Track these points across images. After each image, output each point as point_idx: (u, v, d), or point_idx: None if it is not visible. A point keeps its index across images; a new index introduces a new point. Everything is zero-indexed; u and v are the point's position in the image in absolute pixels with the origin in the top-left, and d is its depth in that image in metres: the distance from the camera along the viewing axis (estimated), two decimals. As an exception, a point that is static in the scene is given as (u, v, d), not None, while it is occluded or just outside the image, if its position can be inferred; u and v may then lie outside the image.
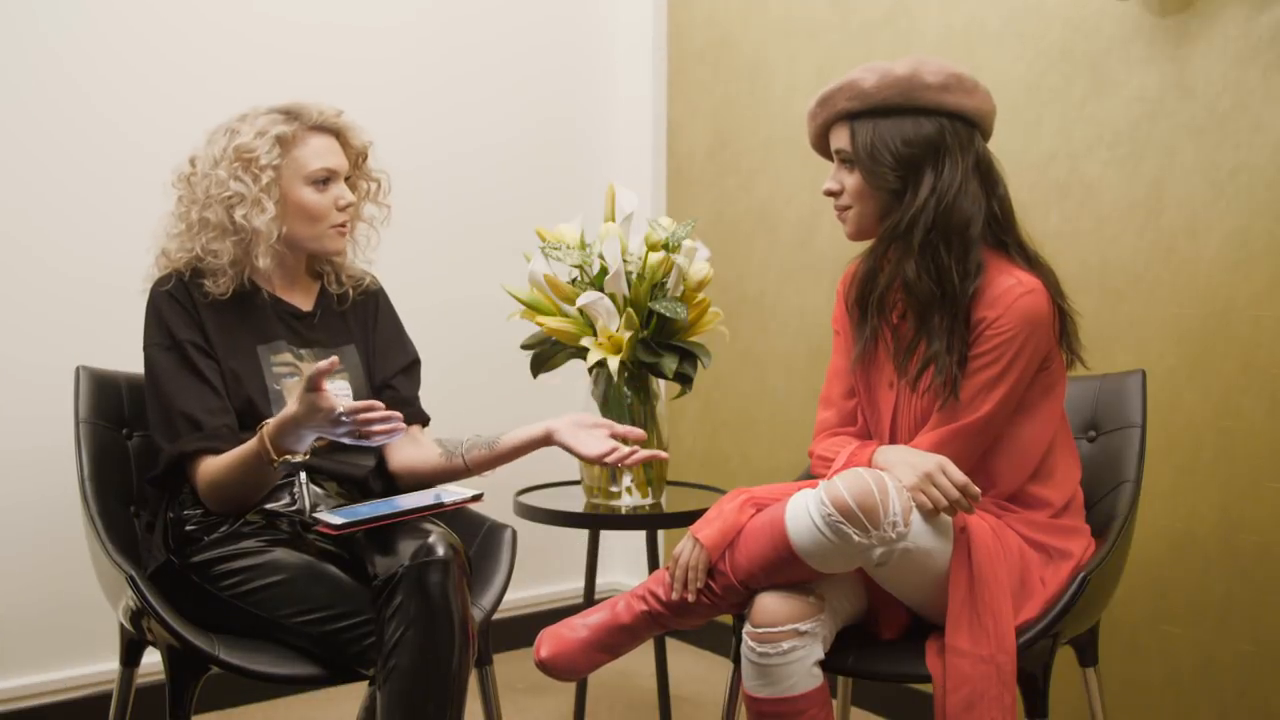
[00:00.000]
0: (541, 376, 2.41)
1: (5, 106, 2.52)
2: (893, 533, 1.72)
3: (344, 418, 1.76)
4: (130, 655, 2.01)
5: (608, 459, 2.00)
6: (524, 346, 2.41)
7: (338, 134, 2.09)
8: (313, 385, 1.76)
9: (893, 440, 1.96)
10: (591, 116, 3.38)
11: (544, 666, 1.87)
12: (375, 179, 2.18)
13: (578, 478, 2.46)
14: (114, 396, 2.14)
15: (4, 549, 2.54)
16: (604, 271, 2.27)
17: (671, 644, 3.15)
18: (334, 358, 1.79)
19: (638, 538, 3.11)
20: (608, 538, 3.30)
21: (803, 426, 2.90)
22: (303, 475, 2.02)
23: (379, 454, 2.15)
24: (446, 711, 1.74)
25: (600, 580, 3.03)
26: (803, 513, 1.74)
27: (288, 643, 1.87)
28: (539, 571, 3.21)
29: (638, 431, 2.05)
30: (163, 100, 2.67)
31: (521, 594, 3.18)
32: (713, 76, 3.21)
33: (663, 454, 2.06)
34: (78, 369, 2.12)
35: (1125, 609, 2.28)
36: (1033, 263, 1.90)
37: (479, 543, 2.12)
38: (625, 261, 2.27)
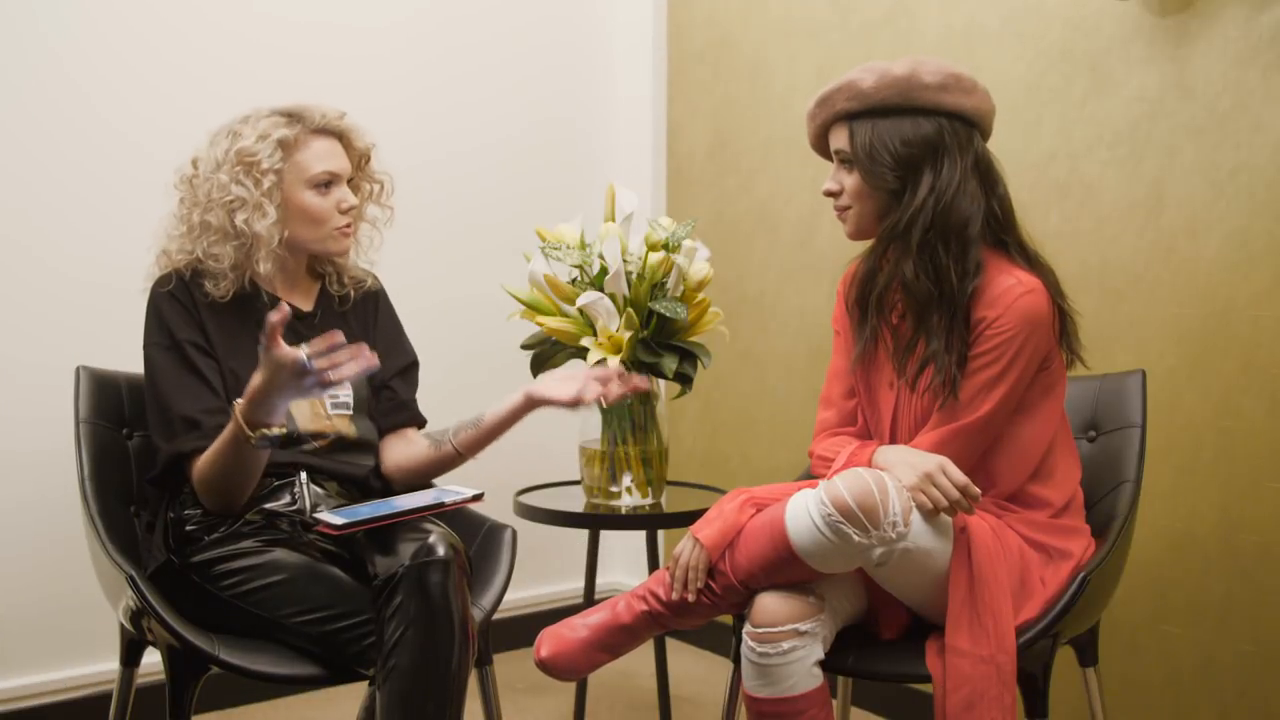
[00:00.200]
0: (541, 376, 2.40)
1: (5, 107, 2.52)
2: (893, 533, 1.72)
3: (308, 362, 1.72)
4: (130, 655, 2.01)
5: (585, 395, 2.02)
6: (524, 346, 2.41)
7: (340, 136, 2.08)
8: (269, 342, 1.73)
9: (893, 440, 1.96)
10: (591, 116, 3.38)
11: (544, 666, 1.87)
12: (378, 181, 2.18)
13: (578, 478, 2.46)
14: (114, 396, 2.14)
15: (4, 549, 2.54)
16: (604, 271, 2.27)
17: (671, 644, 3.15)
18: (284, 307, 1.74)
19: (638, 538, 3.11)
20: (608, 538, 3.30)
21: (803, 426, 2.90)
22: (303, 475, 2.02)
23: (377, 456, 2.16)
24: (446, 711, 1.74)
25: (600, 580, 3.03)
26: (803, 513, 1.74)
27: (288, 643, 1.87)
28: (539, 571, 3.22)
29: (615, 369, 2.06)
30: (162, 101, 2.67)
31: (521, 594, 3.18)
32: (713, 76, 3.21)
33: (643, 382, 2.05)
34: (78, 369, 2.12)
35: (1125, 609, 2.28)
36: (1033, 262, 1.90)
37: (479, 543, 2.12)
38: (625, 261, 2.27)
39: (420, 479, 2.17)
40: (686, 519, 2.24)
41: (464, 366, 3.04)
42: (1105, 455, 2.06)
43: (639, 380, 2.04)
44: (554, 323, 2.30)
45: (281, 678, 1.85)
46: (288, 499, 2.00)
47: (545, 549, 3.08)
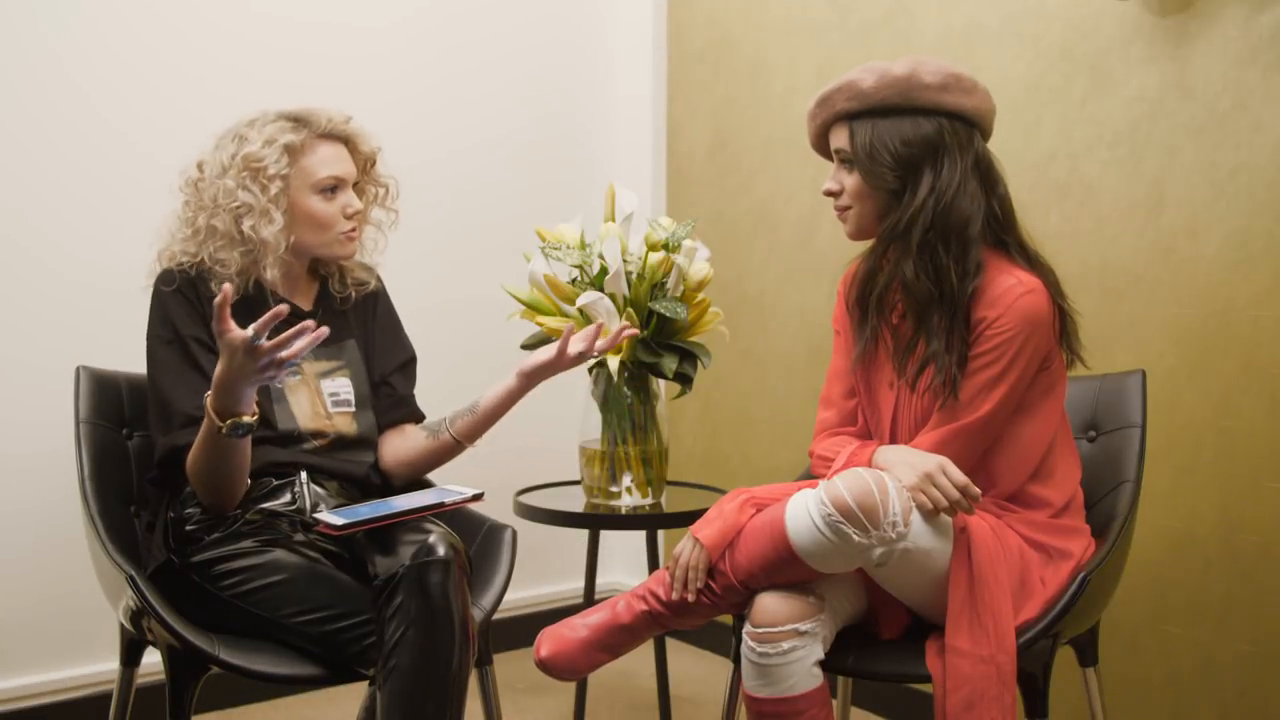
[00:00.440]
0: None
1: (5, 107, 2.52)
2: (893, 533, 1.72)
3: (256, 339, 1.69)
4: (130, 655, 2.01)
5: (570, 348, 2.03)
6: (524, 346, 2.41)
7: (346, 141, 2.08)
8: (218, 324, 1.70)
9: (893, 440, 1.96)
10: (591, 116, 3.38)
11: (544, 666, 1.87)
12: (384, 184, 2.18)
13: (578, 478, 2.47)
14: (114, 397, 2.14)
15: (4, 549, 2.54)
16: (604, 271, 2.27)
17: (671, 644, 3.15)
18: (226, 286, 1.71)
19: (638, 538, 3.11)
20: (608, 538, 3.30)
21: (803, 426, 2.90)
22: (303, 475, 2.02)
23: (377, 452, 2.16)
24: (446, 711, 1.74)
25: (600, 580, 3.03)
26: (803, 513, 1.74)
27: (288, 643, 1.87)
28: (539, 571, 3.22)
29: (593, 328, 2.09)
30: (162, 101, 2.66)
31: (521, 594, 3.18)
32: (713, 76, 3.21)
33: (632, 329, 2.06)
34: (78, 369, 2.12)
35: (1125, 609, 2.28)
36: (1033, 262, 1.90)
37: (479, 543, 2.12)
38: (625, 261, 2.27)
39: (419, 471, 2.17)
40: (686, 519, 2.24)
41: (464, 366, 3.04)
42: (1105, 455, 2.06)
43: (628, 330, 2.05)
44: (554, 323, 2.30)
45: (281, 678, 1.85)
46: (288, 499, 2.00)
47: (545, 549, 3.08)
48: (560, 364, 2.07)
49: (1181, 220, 2.24)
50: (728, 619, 1.94)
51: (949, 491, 1.75)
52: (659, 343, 2.32)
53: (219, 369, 1.77)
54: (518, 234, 2.66)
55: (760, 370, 3.11)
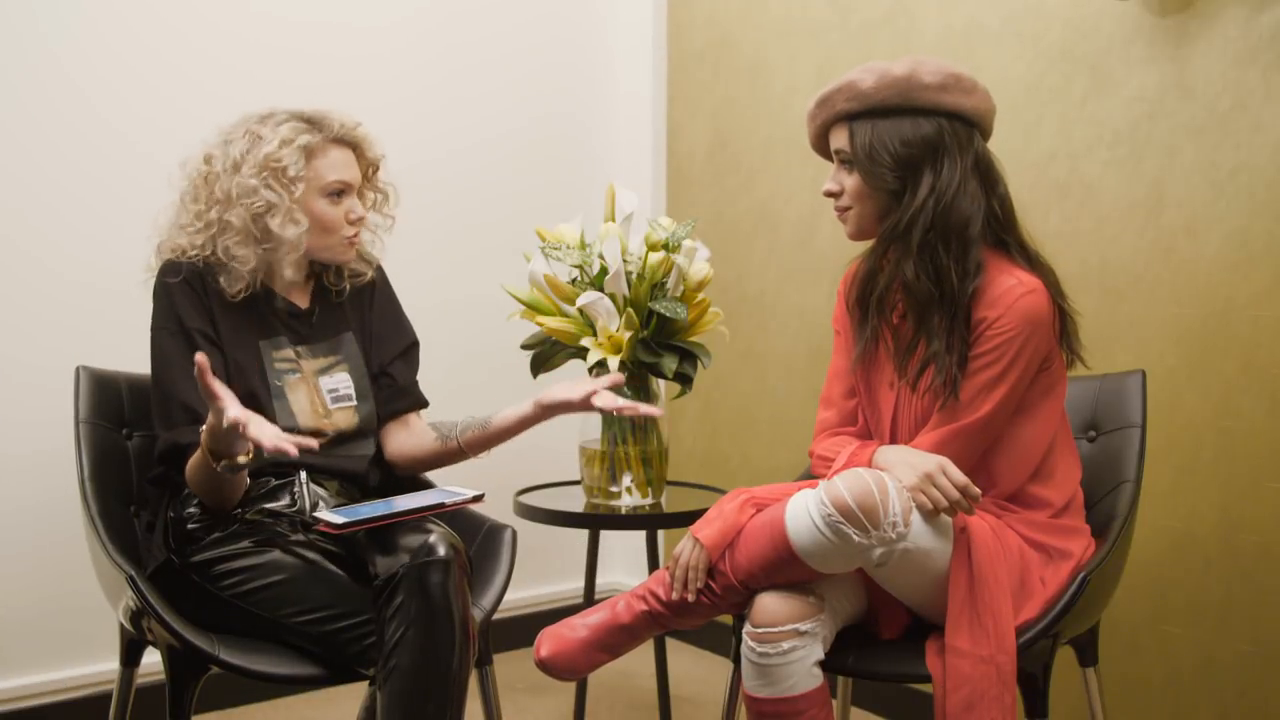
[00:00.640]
0: (541, 376, 2.41)
1: (4, 107, 2.52)
2: (893, 533, 1.72)
3: (240, 425, 1.70)
4: (130, 655, 2.01)
5: (595, 400, 2.02)
6: (524, 346, 2.41)
7: (354, 146, 2.09)
8: (206, 393, 1.72)
9: (893, 440, 1.96)
10: (592, 115, 3.38)
11: (544, 666, 1.87)
12: (383, 191, 2.18)
13: (578, 478, 2.46)
14: (114, 397, 2.14)
15: (4, 549, 2.54)
16: (604, 271, 2.27)
17: (671, 644, 3.15)
18: (200, 356, 1.71)
19: (638, 538, 3.11)
20: (608, 538, 3.30)
21: (803, 426, 2.90)
22: (303, 474, 2.02)
23: (377, 442, 2.16)
24: (446, 711, 1.74)
25: (600, 580, 3.03)
26: (803, 513, 1.74)
27: (288, 643, 1.87)
28: (539, 571, 3.21)
29: (618, 377, 2.09)
30: (162, 102, 2.66)
31: (521, 594, 3.18)
32: (713, 76, 3.21)
33: (656, 410, 2.06)
34: (78, 369, 2.12)
35: (1125, 609, 2.28)
36: (1033, 262, 1.90)
37: (479, 543, 2.12)
38: (625, 261, 2.27)
39: (422, 469, 2.19)
40: (686, 519, 2.24)
41: (464, 366, 3.04)
42: (1105, 455, 2.06)
43: (651, 409, 2.04)
44: (554, 323, 2.30)
45: (281, 678, 1.85)
46: (288, 499, 2.00)
47: (545, 549, 3.08)
48: (578, 406, 2.07)
49: (1181, 220, 2.24)
50: (728, 619, 1.94)
51: (949, 492, 1.75)
52: (659, 343, 2.32)
53: (209, 422, 1.76)
54: (518, 234, 2.66)
55: (760, 370, 3.11)
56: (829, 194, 1.95)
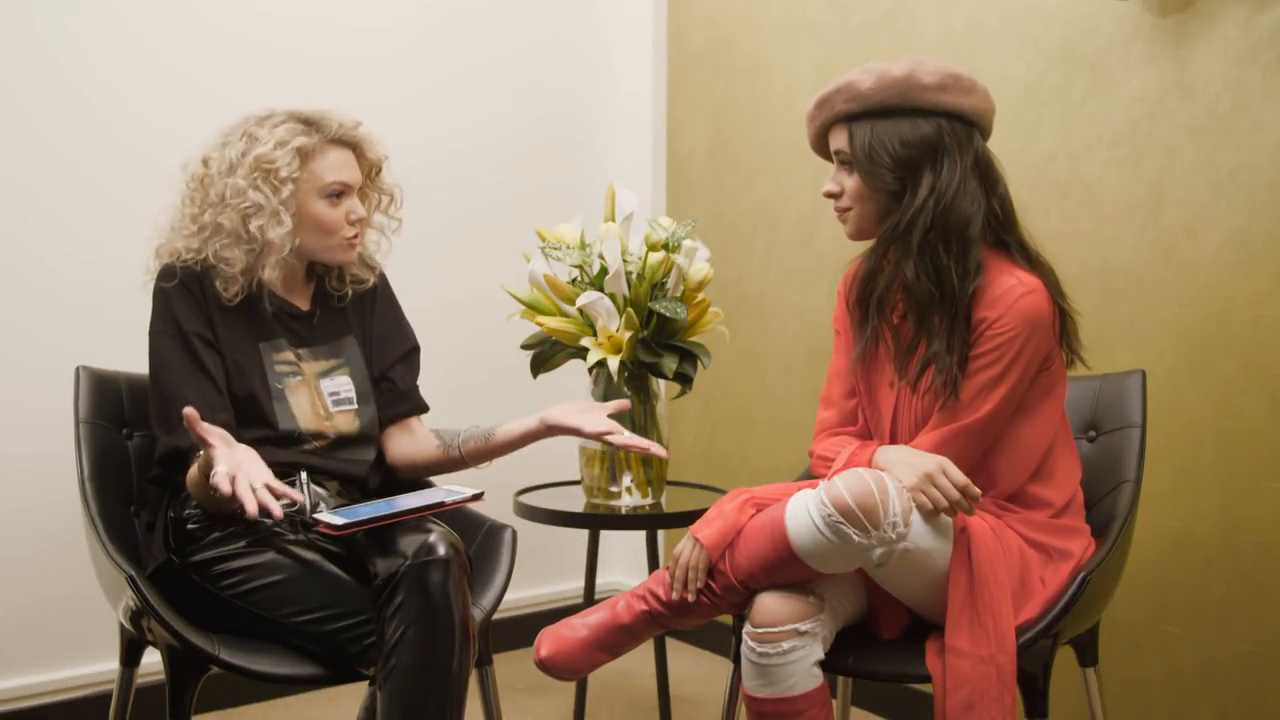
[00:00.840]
0: (541, 376, 2.41)
1: (4, 108, 2.52)
2: (893, 533, 1.72)
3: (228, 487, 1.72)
4: (130, 655, 2.01)
5: (609, 437, 2.02)
6: (524, 346, 2.41)
7: (354, 146, 2.08)
8: (198, 439, 1.75)
9: (893, 440, 1.96)
10: (592, 116, 3.38)
11: (544, 666, 1.87)
12: (388, 193, 2.17)
13: (578, 478, 2.46)
14: (114, 397, 2.14)
15: (4, 549, 2.54)
16: (604, 271, 2.27)
17: (671, 644, 3.15)
18: (189, 411, 1.74)
19: (638, 538, 3.11)
20: (608, 538, 3.30)
21: (803, 426, 2.90)
22: (304, 475, 2.02)
23: (379, 446, 2.16)
24: (446, 711, 1.74)
25: (600, 580, 3.03)
26: (803, 513, 1.74)
27: (288, 642, 1.87)
28: (539, 571, 3.22)
29: (623, 403, 2.11)
30: (162, 102, 2.66)
31: (521, 594, 3.18)
32: (713, 76, 3.21)
33: (663, 451, 2.07)
34: (78, 369, 2.12)
35: (1125, 609, 2.28)
36: (1033, 262, 1.90)
37: (479, 543, 2.12)
38: (625, 261, 2.27)
39: (424, 474, 2.19)
40: (686, 519, 2.24)
41: (464, 366, 3.04)
42: (1105, 455, 2.06)
43: (659, 450, 2.05)
44: (554, 323, 2.30)
45: (281, 678, 1.85)
46: (288, 499, 2.00)
47: (545, 549, 3.08)
48: (584, 433, 2.06)
49: (1181, 220, 2.24)
50: (728, 619, 1.94)
51: (949, 492, 1.75)
52: (659, 343, 2.32)
53: (201, 460, 1.78)
54: (518, 234, 2.66)
55: (760, 370, 3.11)
56: (829, 195, 1.95)
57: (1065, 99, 2.40)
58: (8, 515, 2.54)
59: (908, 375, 1.91)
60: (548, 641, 1.87)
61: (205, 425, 1.75)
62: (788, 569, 1.78)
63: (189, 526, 1.94)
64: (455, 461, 2.16)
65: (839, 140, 1.92)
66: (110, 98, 2.62)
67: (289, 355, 2.06)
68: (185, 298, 1.99)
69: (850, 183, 1.91)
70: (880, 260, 1.92)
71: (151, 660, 1.93)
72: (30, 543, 2.56)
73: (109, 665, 2.27)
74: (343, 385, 2.10)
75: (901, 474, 1.77)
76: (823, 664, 1.79)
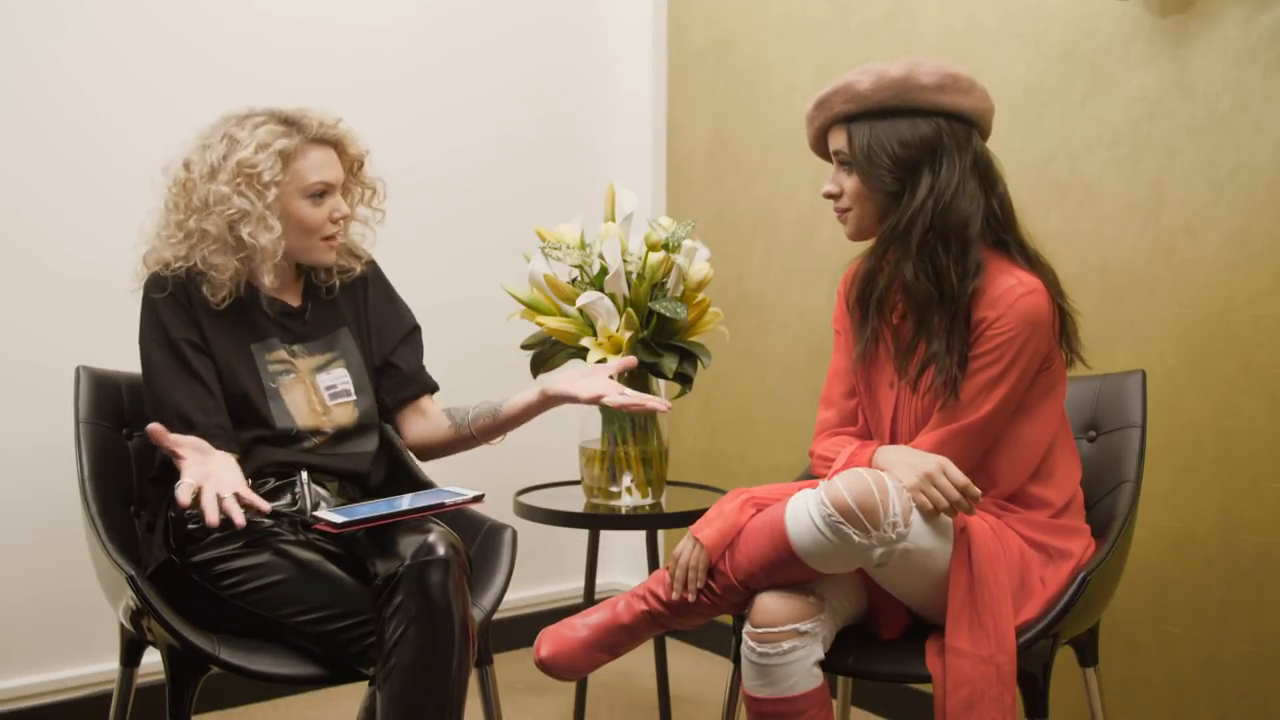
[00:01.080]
0: (541, 376, 2.41)
1: (4, 108, 2.52)
2: (893, 533, 1.72)
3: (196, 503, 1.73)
4: (130, 655, 2.01)
5: (604, 400, 2.01)
6: (524, 346, 2.41)
7: (335, 144, 2.08)
8: (172, 456, 1.78)
9: (893, 440, 1.96)
10: (592, 116, 3.38)
11: (544, 666, 1.87)
12: (371, 186, 2.17)
13: (578, 478, 2.46)
14: (114, 397, 2.14)
15: (4, 549, 2.54)
16: (604, 271, 2.27)
17: (671, 644, 3.15)
18: (153, 426, 1.78)
19: (638, 538, 3.11)
20: (608, 538, 3.30)
21: (803, 426, 2.90)
22: (304, 474, 2.02)
23: (382, 436, 2.16)
24: (446, 711, 1.74)
25: (600, 580, 3.03)
26: (803, 513, 1.74)
27: (288, 642, 1.87)
28: (539, 571, 3.22)
29: (630, 360, 2.09)
30: (163, 102, 2.66)
31: (521, 594, 3.18)
32: (713, 76, 3.21)
33: (663, 405, 2.04)
34: (78, 369, 2.12)
35: (1125, 609, 2.28)
36: (1033, 262, 1.90)
37: (479, 543, 2.12)
38: (625, 261, 2.27)
39: (441, 454, 2.21)
40: (686, 519, 2.24)
41: (464, 366, 3.03)
42: (1105, 455, 2.06)
43: (657, 403, 2.04)
44: (554, 323, 2.30)
45: (281, 678, 1.85)
46: (288, 499, 2.00)
47: (545, 549, 3.08)
48: (580, 400, 2.06)
49: (1181, 220, 2.24)
50: (728, 619, 1.94)
51: (949, 492, 1.75)
52: (659, 343, 2.32)
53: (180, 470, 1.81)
54: (518, 234, 2.66)
55: (760, 370, 3.11)
56: (828, 196, 1.95)
57: (1065, 99, 2.40)
58: (8, 516, 2.54)
59: (907, 375, 1.91)
60: (548, 641, 1.87)
61: (173, 437, 1.77)
62: (788, 569, 1.78)
63: (189, 526, 1.94)
64: (468, 440, 2.17)
65: (838, 141, 1.92)
66: (110, 97, 2.62)
67: (282, 354, 2.06)
68: (172, 307, 1.99)
69: (849, 183, 1.91)
70: (880, 260, 1.92)
71: (151, 660, 1.93)
72: (30, 543, 2.56)
73: (109, 665, 2.27)
74: (339, 378, 2.10)
75: (901, 474, 1.77)
76: (823, 664, 1.79)
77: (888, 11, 2.74)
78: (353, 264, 2.18)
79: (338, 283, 2.16)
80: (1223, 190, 2.17)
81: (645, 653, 2.45)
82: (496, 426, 2.16)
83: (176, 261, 2.01)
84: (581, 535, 2.65)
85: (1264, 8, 2.10)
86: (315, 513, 1.93)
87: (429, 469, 2.29)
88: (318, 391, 2.07)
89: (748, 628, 1.79)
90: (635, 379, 2.34)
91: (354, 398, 2.10)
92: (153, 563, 1.94)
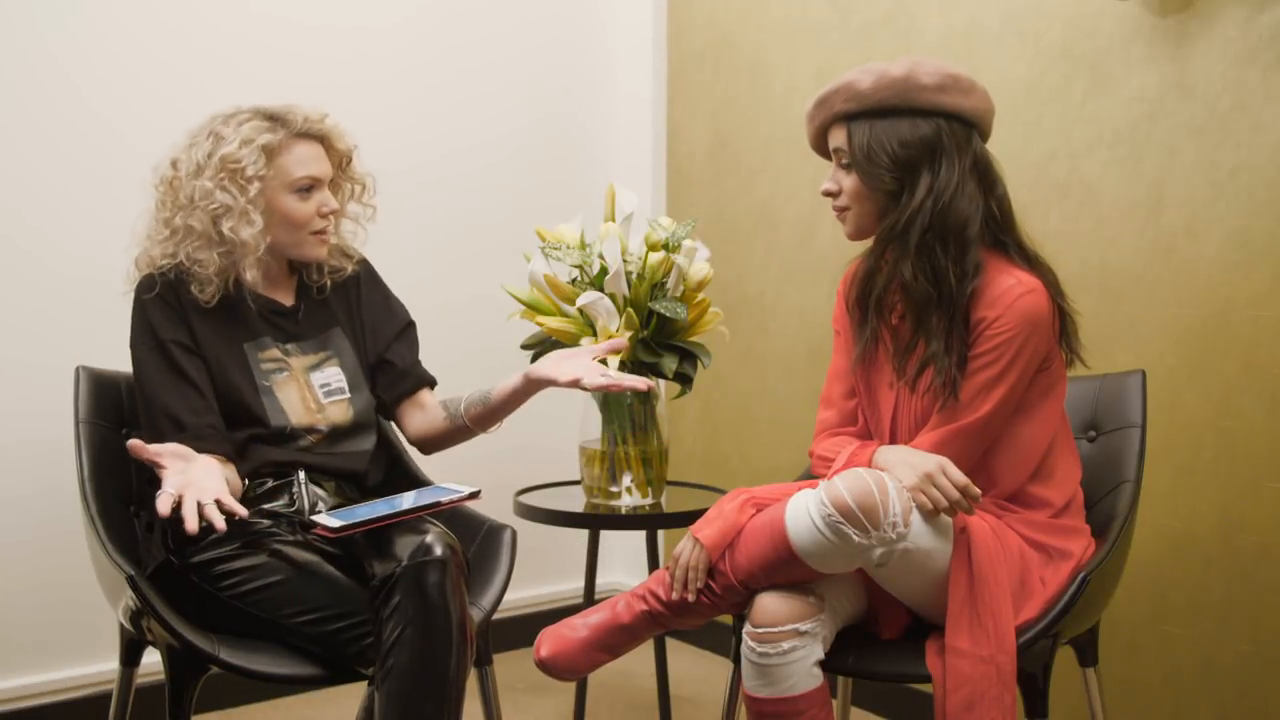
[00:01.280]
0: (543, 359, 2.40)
1: (4, 108, 2.52)
2: (893, 533, 1.71)
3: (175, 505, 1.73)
4: (130, 655, 2.01)
5: (583, 381, 2.00)
6: (524, 346, 2.41)
7: (322, 139, 2.08)
8: (154, 467, 1.78)
9: (893, 440, 1.96)
10: (592, 116, 3.38)
11: (544, 666, 1.87)
12: (360, 182, 2.17)
13: (578, 478, 2.46)
14: (114, 397, 2.14)
15: (4, 549, 2.54)
16: (604, 271, 2.27)
17: (671, 644, 3.15)
18: (134, 442, 1.77)
19: (638, 538, 3.11)
20: (608, 538, 3.30)
21: (803, 426, 2.90)
22: (301, 475, 2.02)
23: (380, 432, 2.16)
24: (444, 711, 1.74)
25: (600, 580, 3.03)
26: (803, 513, 1.74)
27: (287, 643, 1.87)
28: (539, 571, 3.22)
29: (618, 342, 2.07)
30: (163, 102, 2.66)
31: (521, 594, 3.18)
32: (713, 76, 3.21)
33: (643, 383, 2.00)
34: (77, 369, 2.12)
35: (1125, 609, 2.28)
36: (1032, 262, 1.90)
37: (479, 543, 2.12)
38: (625, 261, 2.27)
39: (442, 447, 2.20)
40: (686, 519, 2.24)
41: (464, 366, 3.02)
42: (1105, 455, 2.06)
43: (636, 381, 2.02)
44: (554, 323, 2.30)
45: (281, 678, 1.85)
46: (286, 500, 2.00)
47: (545, 549, 3.08)
48: (559, 383, 2.05)
49: (1181, 220, 2.24)
50: (728, 619, 1.94)
51: (949, 492, 1.75)
52: (659, 343, 2.32)
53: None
54: (518, 234, 2.66)
55: (760, 370, 3.11)
56: (827, 194, 1.95)
57: (1065, 99, 2.40)
58: (8, 517, 2.54)
59: (906, 375, 1.91)
60: (548, 642, 1.87)
61: (153, 448, 1.77)
62: (788, 569, 1.78)
63: (168, 539, 1.94)
64: (463, 430, 2.16)
65: (838, 139, 1.92)
66: (110, 97, 2.62)
67: (275, 352, 2.07)
68: (161, 308, 1.99)
69: (848, 182, 1.91)
70: (878, 260, 1.92)
71: (151, 660, 1.93)
72: (31, 542, 2.56)
73: (109, 665, 2.27)
74: (333, 376, 2.10)
75: (901, 474, 1.77)
76: (823, 664, 1.79)
77: (887, 11, 2.74)
78: (344, 264, 2.18)
79: (329, 282, 2.16)
80: (1223, 190, 2.17)
81: (645, 653, 2.45)
82: (488, 414, 2.14)
83: (164, 259, 2.02)
84: (581, 535, 2.65)
85: (1264, 8, 2.10)
86: (313, 516, 1.93)
87: (431, 466, 2.29)
88: (311, 390, 2.07)
89: (748, 628, 1.79)
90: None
91: (348, 395, 2.10)
92: (152, 563, 1.94)
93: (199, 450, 1.89)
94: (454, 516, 2.10)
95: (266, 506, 1.98)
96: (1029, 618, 1.79)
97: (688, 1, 3.27)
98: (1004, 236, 1.91)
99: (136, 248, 2.07)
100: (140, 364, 1.99)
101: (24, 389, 2.54)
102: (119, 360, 2.19)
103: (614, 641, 1.88)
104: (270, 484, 2.00)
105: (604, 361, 2.10)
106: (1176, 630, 2.27)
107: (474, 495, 1.96)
